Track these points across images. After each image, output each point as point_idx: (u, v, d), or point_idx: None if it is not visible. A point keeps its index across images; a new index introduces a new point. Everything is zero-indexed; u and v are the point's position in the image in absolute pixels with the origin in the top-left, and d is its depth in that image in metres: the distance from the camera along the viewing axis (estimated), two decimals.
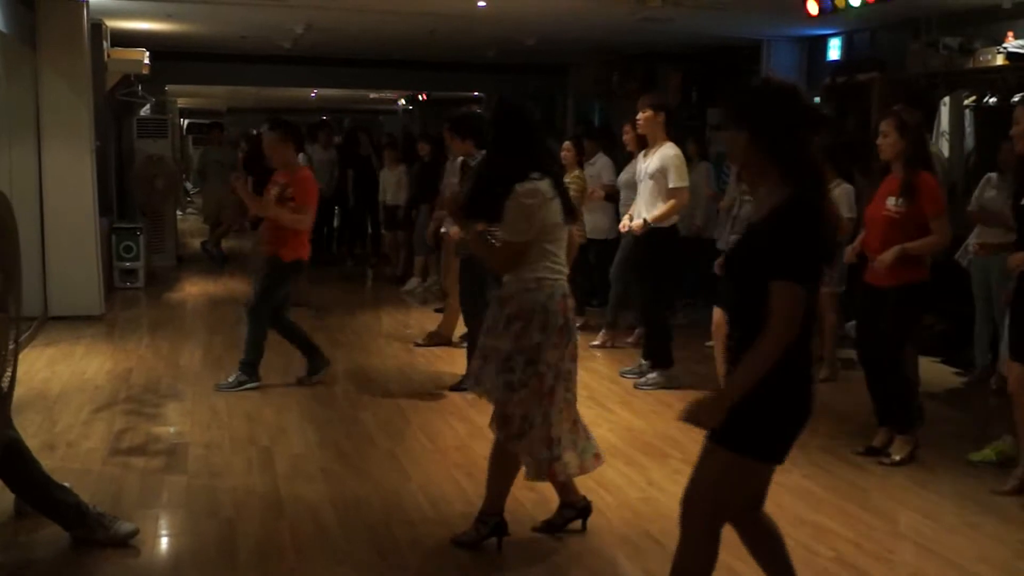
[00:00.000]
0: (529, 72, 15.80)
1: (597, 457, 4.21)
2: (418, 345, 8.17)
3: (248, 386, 6.56)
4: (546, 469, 4.02)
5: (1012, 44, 7.89)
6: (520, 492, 4.79)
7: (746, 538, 3.20)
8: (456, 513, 4.54)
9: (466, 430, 5.85)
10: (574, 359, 4.07)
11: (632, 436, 5.78)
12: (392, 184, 11.49)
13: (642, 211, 6.74)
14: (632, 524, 4.36)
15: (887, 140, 5.19)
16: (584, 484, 4.78)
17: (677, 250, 7.00)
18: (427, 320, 9.10)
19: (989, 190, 6.66)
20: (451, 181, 8.07)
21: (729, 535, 3.10)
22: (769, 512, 4.56)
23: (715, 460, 2.91)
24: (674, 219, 6.80)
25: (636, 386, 6.87)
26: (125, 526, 4.12)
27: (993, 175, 6.75)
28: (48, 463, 4.30)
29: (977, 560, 4.09)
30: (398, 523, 4.41)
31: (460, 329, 7.87)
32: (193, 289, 11.07)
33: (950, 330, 7.84)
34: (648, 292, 6.93)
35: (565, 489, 4.26)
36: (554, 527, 4.28)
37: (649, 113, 6.67)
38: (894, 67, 9.07)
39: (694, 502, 2.97)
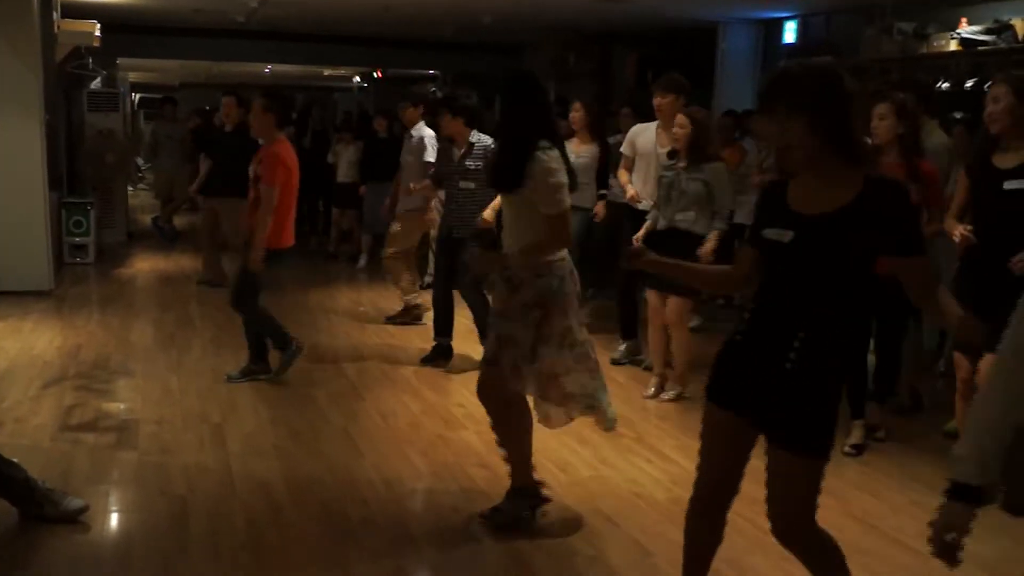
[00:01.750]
0: (485, 51, 15.76)
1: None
2: (389, 320, 8.25)
3: (294, 360, 6.33)
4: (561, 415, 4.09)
5: (966, 30, 8.02)
6: (473, 470, 4.83)
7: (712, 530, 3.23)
8: (410, 491, 4.56)
9: (419, 407, 5.86)
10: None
11: None
12: (346, 161, 11.42)
13: (640, 190, 6.64)
14: (584, 502, 4.40)
15: (884, 123, 4.98)
16: (538, 462, 4.82)
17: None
18: (380, 298, 9.08)
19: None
20: (408, 159, 8.11)
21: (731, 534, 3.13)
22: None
23: (808, 474, 2.82)
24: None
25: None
26: (75, 502, 4.09)
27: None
28: None
29: (917, 536, 4.17)
30: (351, 501, 4.42)
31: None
32: (144, 265, 10.94)
33: None
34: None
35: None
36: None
37: (670, 97, 6.36)
38: (849, 52, 9.17)
39: (798, 521, 2.89)
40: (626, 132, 8.64)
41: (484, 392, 4.11)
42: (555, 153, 3.90)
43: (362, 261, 11.13)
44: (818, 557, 2.96)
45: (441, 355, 6.91)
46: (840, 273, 2.70)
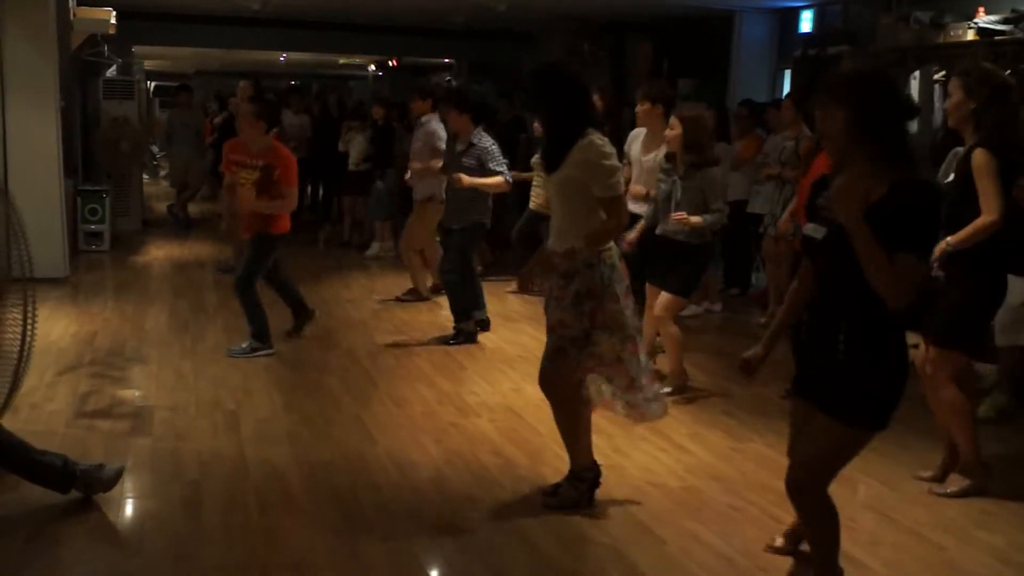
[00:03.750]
0: (500, 39, 15.72)
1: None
2: (400, 299, 8.53)
3: (261, 353, 6.51)
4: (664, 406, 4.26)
5: (983, 19, 7.95)
6: (486, 458, 4.83)
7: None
8: (423, 478, 4.56)
9: (433, 395, 5.86)
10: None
11: None
12: (356, 150, 11.40)
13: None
14: (599, 492, 4.39)
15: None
16: (551, 450, 4.82)
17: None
18: (393, 285, 9.08)
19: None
20: (416, 146, 8.14)
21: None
22: (731, 479, 4.66)
23: (831, 435, 3.03)
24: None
25: None
26: (111, 468, 4.17)
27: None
28: (11, 425, 4.27)
29: (936, 528, 4.16)
30: (364, 487, 4.42)
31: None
32: (159, 253, 10.97)
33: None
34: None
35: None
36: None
37: (647, 106, 6.40)
38: (865, 41, 9.11)
39: (812, 477, 3.12)
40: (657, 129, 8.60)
41: (546, 385, 4.17)
42: (606, 138, 3.99)
43: (374, 249, 11.08)
44: (817, 520, 3.19)
45: (471, 336, 7.16)
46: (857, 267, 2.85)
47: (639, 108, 6.48)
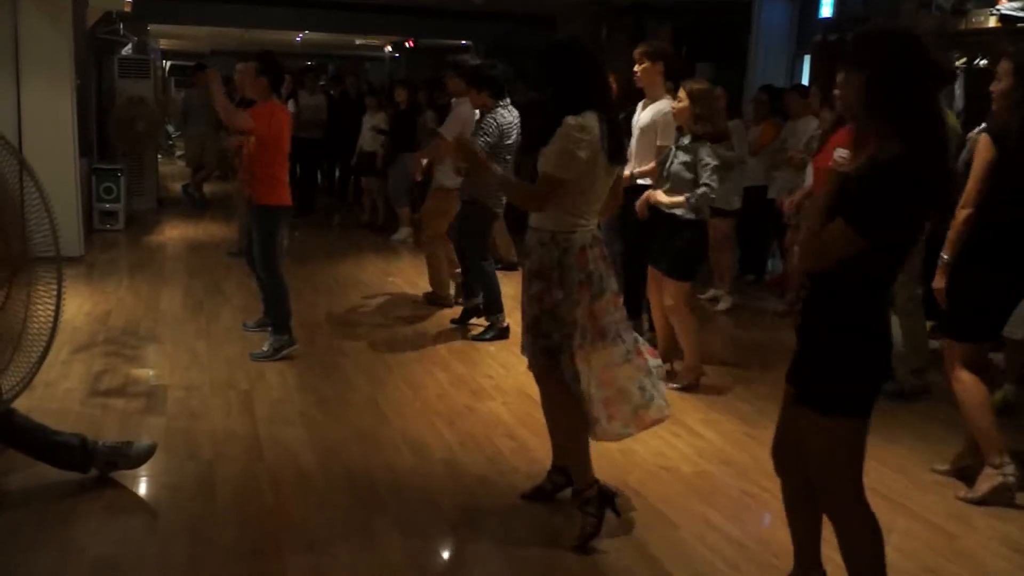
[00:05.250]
0: (517, 21, 15.66)
1: (659, 409, 3.89)
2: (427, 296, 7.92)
3: (288, 350, 6.08)
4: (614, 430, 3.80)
5: (1005, 6, 7.86)
6: (501, 441, 4.82)
7: (790, 491, 3.17)
8: (437, 461, 4.56)
9: (447, 378, 5.86)
10: (616, 308, 3.77)
11: None
12: (370, 130, 11.37)
13: (632, 165, 6.31)
14: (611, 475, 4.38)
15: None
16: None
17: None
18: (409, 268, 9.07)
19: None
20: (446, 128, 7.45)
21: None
22: (744, 465, 4.64)
23: (817, 430, 2.85)
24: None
25: None
26: (141, 444, 4.19)
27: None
28: (25, 403, 4.29)
29: (946, 516, 4.14)
30: (378, 469, 4.43)
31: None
32: (174, 233, 10.99)
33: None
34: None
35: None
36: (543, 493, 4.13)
37: (646, 64, 6.14)
38: (850, 36, 9.01)
39: (830, 480, 2.91)
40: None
41: (535, 371, 3.95)
42: (591, 120, 3.59)
43: (401, 234, 10.88)
44: (851, 534, 2.91)
45: (504, 332, 6.84)
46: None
47: (637, 67, 6.18)
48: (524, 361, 3.99)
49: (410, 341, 6.73)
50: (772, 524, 3.95)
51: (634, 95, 6.68)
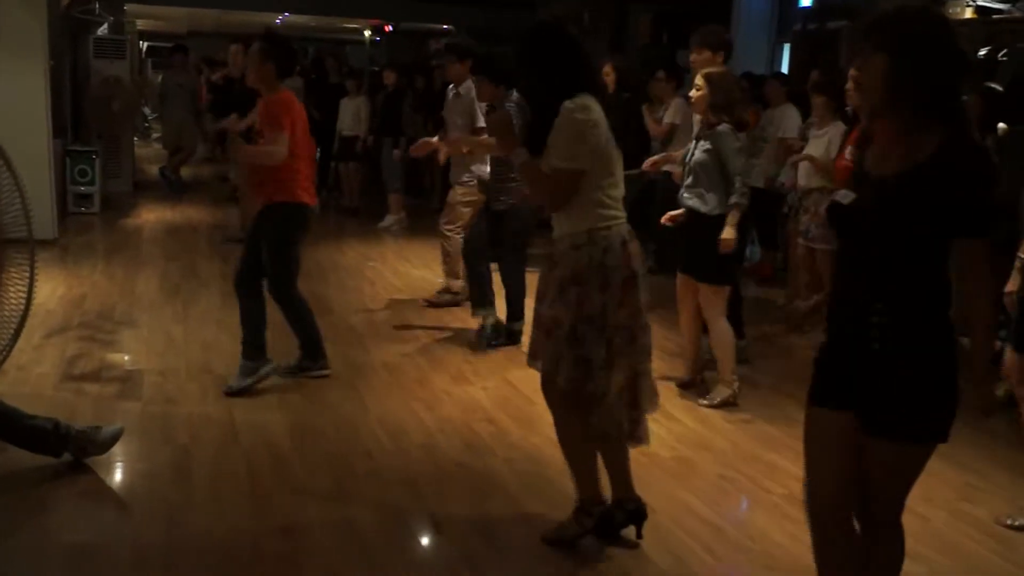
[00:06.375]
0: (498, 6, 15.59)
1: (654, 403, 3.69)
2: (432, 303, 7.31)
3: (314, 373, 5.42)
4: (633, 432, 3.58)
5: None
6: (479, 425, 4.82)
7: (847, 551, 2.75)
8: (415, 445, 4.55)
9: (426, 362, 5.84)
10: (646, 310, 3.54)
11: None
12: (350, 114, 11.26)
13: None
14: None
15: None
16: (544, 419, 4.80)
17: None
18: (390, 253, 9.04)
19: None
20: (455, 121, 6.97)
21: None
22: (721, 450, 4.66)
23: (915, 460, 2.60)
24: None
25: None
26: (108, 430, 4.14)
27: (1005, 126, 6.66)
28: None
29: (922, 500, 4.15)
30: (355, 453, 4.41)
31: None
32: (150, 216, 10.89)
33: None
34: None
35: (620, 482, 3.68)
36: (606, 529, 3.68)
37: (707, 54, 5.58)
38: (865, 16, 9.03)
39: (900, 509, 2.71)
40: (661, 97, 8.49)
41: (545, 393, 3.60)
42: (590, 102, 3.40)
43: (388, 221, 10.67)
44: (891, 559, 2.74)
45: (516, 336, 6.25)
46: (911, 239, 2.44)
47: (693, 57, 5.69)
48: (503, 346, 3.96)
49: (389, 325, 6.70)
50: (749, 508, 3.97)
51: (630, 85, 6.64)
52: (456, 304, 7.18)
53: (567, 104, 3.36)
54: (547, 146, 3.42)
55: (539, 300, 3.55)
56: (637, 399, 3.54)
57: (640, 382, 3.54)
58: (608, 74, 7.56)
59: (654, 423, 4.89)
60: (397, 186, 10.67)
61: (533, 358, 3.61)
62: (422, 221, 10.51)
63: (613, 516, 3.63)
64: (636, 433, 3.58)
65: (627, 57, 12.44)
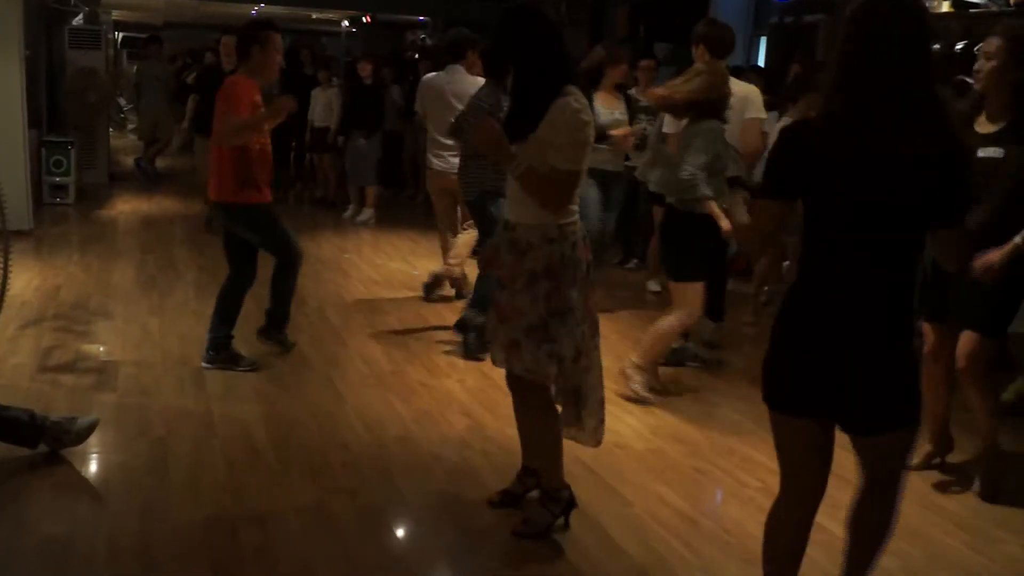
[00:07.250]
0: None
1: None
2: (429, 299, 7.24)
3: (278, 337, 5.73)
4: (602, 433, 3.63)
5: None
6: (455, 418, 4.83)
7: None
8: (391, 437, 4.56)
9: (402, 355, 5.85)
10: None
11: None
12: (322, 105, 11.15)
13: None
14: (564, 452, 4.40)
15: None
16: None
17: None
18: (365, 245, 9.02)
19: None
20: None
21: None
22: (696, 442, 4.70)
23: (909, 441, 2.72)
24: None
25: None
26: (84, 420, 4.13)
27: None
28: None
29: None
30: (332, 446, 4.42)
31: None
32: (126, 207, 10.83)
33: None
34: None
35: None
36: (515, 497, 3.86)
37: (700, 49, 5.77)
38: (841, 11, 9.08)
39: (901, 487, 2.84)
40: (648, 85, 8.48)
41: (509, 380, 3.63)
42: (585, 102, 3.36)
43: (364, 215, 10.60)
44: (888, 534, 2.91)
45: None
46: (908, 226, 2.47)
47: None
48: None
49: (365, 317, 6.70)
50: (724, 500, 4.00)
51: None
52: (461, 296, 7.07)
53: (570, 101, 3.29)
54: (536, 138, 3.33)
55: (501, 287, 3.51)
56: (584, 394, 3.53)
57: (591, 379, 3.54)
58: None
59: (628, 415, 4.97)
60: (371, 180, 10.61)
61: (492, 344, 3.62)
62: (398, 212, 10.49)
63: (574, 497, 3.70)
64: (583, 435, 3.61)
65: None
